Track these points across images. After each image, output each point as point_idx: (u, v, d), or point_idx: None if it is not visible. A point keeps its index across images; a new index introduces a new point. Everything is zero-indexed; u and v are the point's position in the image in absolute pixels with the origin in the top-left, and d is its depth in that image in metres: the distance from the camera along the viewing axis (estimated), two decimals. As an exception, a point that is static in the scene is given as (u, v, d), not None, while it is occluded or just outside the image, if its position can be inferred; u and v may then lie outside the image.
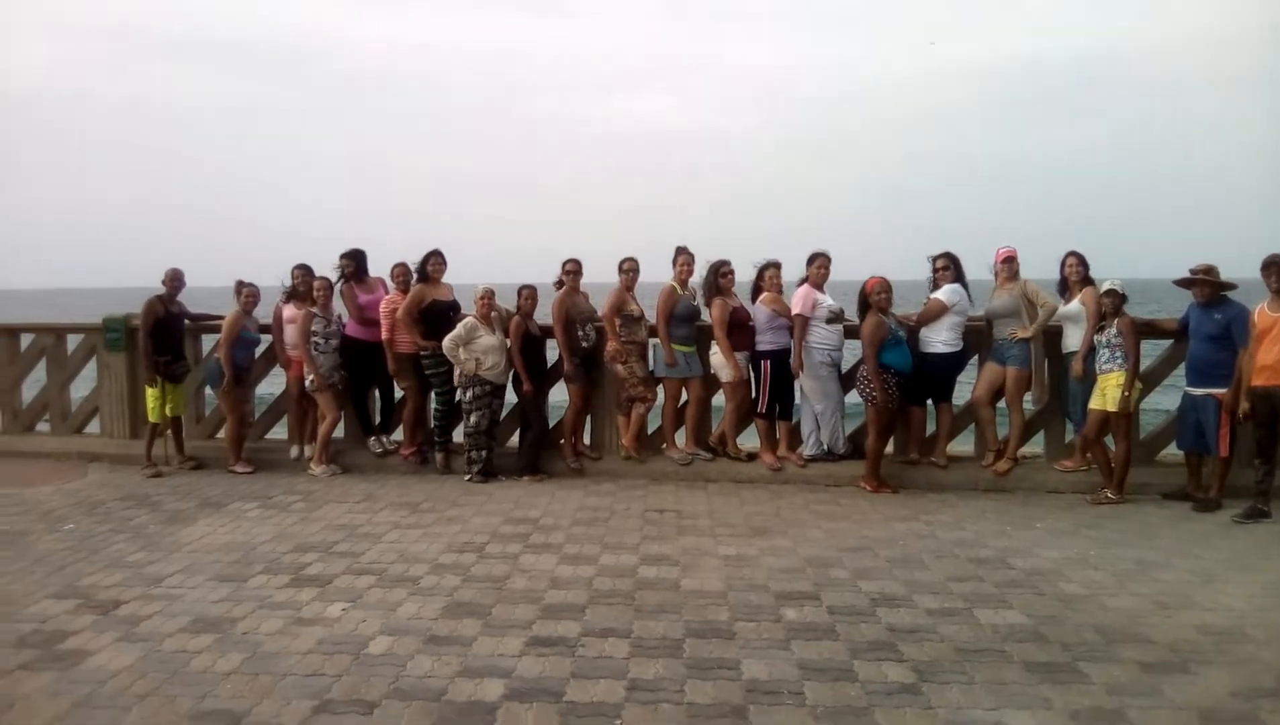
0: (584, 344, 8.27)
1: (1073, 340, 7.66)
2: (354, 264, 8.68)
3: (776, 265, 8.16)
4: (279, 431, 9.36)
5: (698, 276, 8.24)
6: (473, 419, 8.04)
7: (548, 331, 8.33)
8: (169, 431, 8.67)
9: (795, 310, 7.90)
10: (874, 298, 7.61)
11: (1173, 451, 7.75)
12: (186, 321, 8.87)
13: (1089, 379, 7.37)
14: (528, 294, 8.26)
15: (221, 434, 8.97)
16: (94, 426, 9.65)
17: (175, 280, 8.66)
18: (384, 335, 8.34)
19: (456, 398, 8.20)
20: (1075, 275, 7.75)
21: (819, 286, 8.06)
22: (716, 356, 8.12)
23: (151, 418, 8.50)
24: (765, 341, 8.04)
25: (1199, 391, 7.14)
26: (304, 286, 8.57)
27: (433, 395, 8.53)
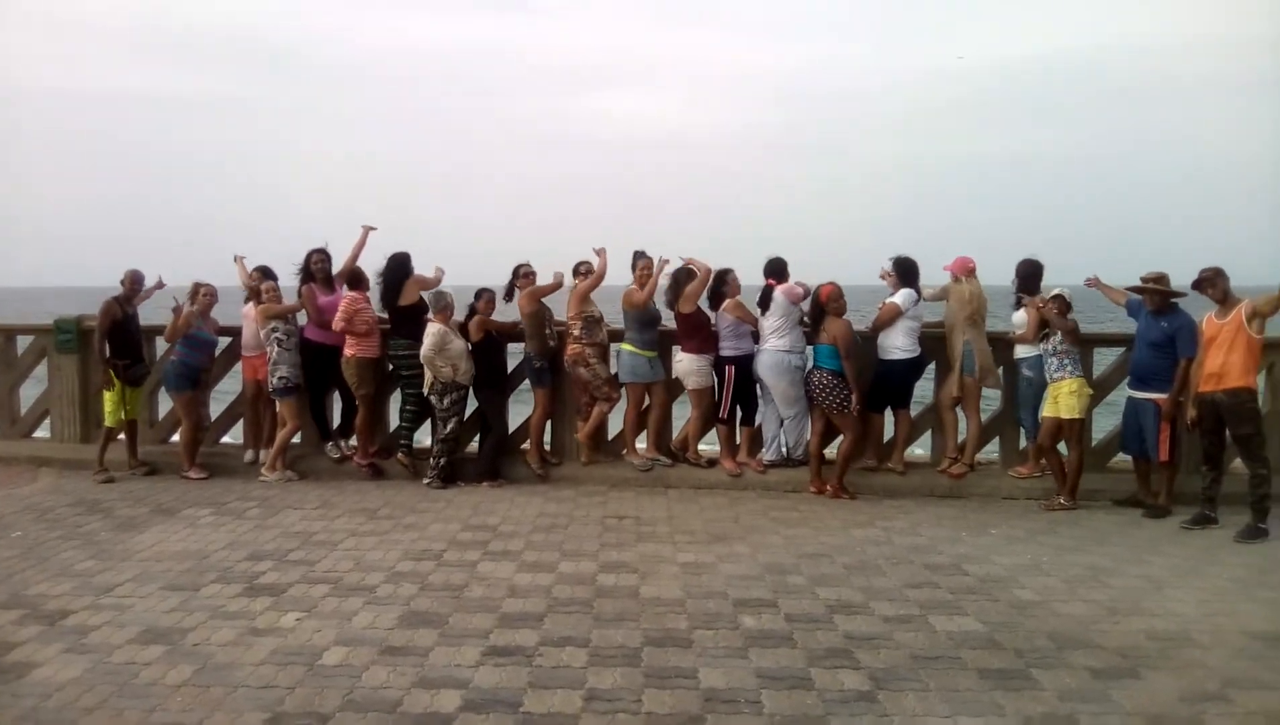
0: (550, 343, 8.24)
1: (1022, 348, 7.78)
2: (326, 261, 8.58)
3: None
4: (234, 436, 9.23)
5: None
6: (449, 426, 8.00)
7: (507, 335, 8.30)
8: (122, 435, 8.50)
9: (795, 295, 7.92)
10: (832, 306, 7.66)
11: (1124, 458, 7.89)
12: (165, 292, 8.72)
13: (1041, 387, 7.50)
14: (487, 298, 8.21)
15: (175, 438, 8.82)
16: (44, 430, 9.45)
17: (134, 282, 8.48)
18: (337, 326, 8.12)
19: (430, 400, 8.10)
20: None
21: None
22: (680, 362, 8.15)
23: (109, 422, 8.29)
24: (728, 347, 8.05)
25: (1139, 395, 7.28)
26: (255, 285, 8.46)
27: (402, 396, 8.42)
